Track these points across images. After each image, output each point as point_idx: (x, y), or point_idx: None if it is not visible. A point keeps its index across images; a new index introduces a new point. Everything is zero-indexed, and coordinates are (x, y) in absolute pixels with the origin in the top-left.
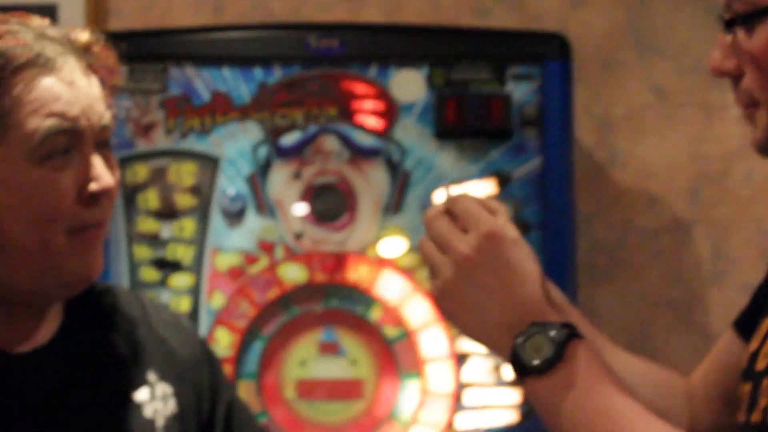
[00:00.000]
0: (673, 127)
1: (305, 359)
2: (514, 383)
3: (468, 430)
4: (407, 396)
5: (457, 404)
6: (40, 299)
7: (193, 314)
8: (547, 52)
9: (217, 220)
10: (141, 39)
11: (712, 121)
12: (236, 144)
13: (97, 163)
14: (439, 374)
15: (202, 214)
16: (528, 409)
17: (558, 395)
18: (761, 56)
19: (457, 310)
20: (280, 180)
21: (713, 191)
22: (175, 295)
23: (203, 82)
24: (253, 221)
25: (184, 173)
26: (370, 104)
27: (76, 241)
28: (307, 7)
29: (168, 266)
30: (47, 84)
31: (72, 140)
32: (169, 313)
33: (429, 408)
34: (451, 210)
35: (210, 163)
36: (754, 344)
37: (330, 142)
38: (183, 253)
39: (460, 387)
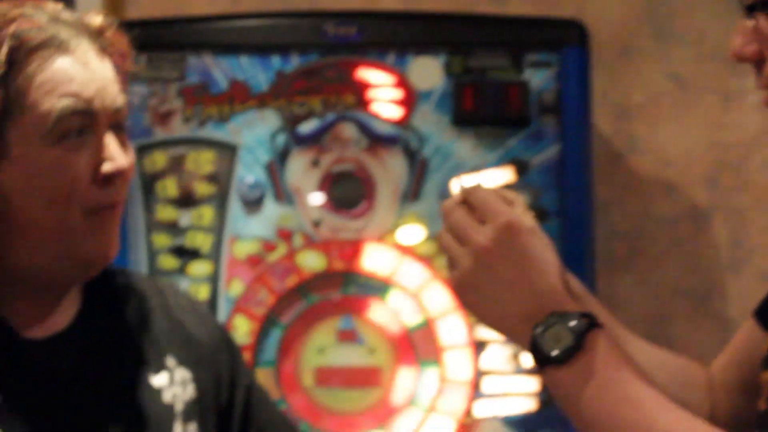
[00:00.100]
0: (692, 114)
1: (323, 347)
2: (533, 371)
3: (486, 417)
4: (425, 384)
5: (475, 392)
6: (57, 281)
7: (212, 302)
8: (565, 39)
9: (235, 208)
10: (159, 27)
11: (730, 108)
12: (254, 132)
13: (111, 144)
14: (457, 362)
15: (221, 202)
16: (547, 398)
17: (578, 385)
18: None
19: (476, 300)
20: (299, 168)
21: (731, 179)
22: (193, 283)
23: (221, 70)
24: (272, 209)
25: (203, 161)
26: (387, 92)
27: (92, 221)
28: None
29: (187, 254)
30: (61, 65)
31: (86, 121)
32: (187, 298)
33: (447, 396)
34: (468, 201)
35: (228, 151)
36: None
37: (348, 130)
38: (202, 241)
39: (479, 375)
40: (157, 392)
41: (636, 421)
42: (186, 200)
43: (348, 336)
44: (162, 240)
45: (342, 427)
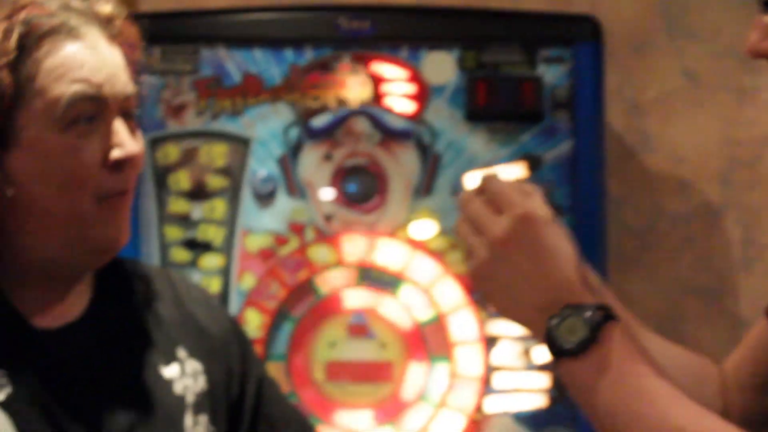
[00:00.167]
0: (705, 111)
1: (334, 341)
2: (544, 367)
3: (497, 413)
4: (436, 379)
5: (486, 388)
6: (69, 269)
7: (224, 295)
8: (579, 35)
9: (247, 202)
10: (172, 20)
11: (744, 105)
12: (267, 125)
13: (121, 131)
14: (468, 357)
15: (233, 195)
16: (557, 394)
17: (593, 377)
18: None
19: (492, 291)
20: (311, 162)
21: (744, 176)
22: (205, 276)
23: (234, 63)
24: (284, 203)
25: (215, 154)
26: (400, 86)
27: (103, 208)
28: None
29: (198, 247)
30: (72, 51)
31: (96, 107)
32: (198, 290)
33: (458, 391)
34: (485, 191)
35: (241, 145)
36: None
37: (361, 124)
38: (214, 234)
39: (490, 370)
40: (168, 383)
41: (649, 415)
42: (198, 193)
43: (359, 330)
44: (174, 233)
45: (352, 422)
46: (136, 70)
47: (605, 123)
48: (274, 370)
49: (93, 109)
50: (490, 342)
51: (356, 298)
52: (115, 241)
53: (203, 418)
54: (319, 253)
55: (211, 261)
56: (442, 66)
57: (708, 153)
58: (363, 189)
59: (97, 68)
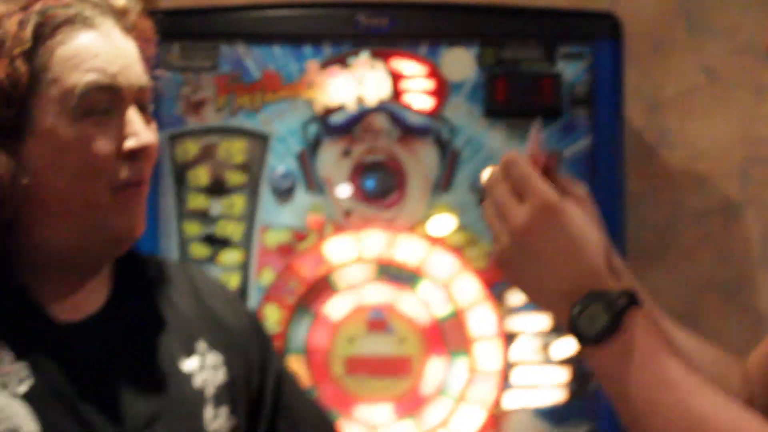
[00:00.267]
0: (724, 107)
1: (354, 336)
2: (565, 361)
3: (516, 408)
4: (455, 374)
5: (505, 383)
6: (86, 260)
7: (243, 290)
8: (598, 32)
9: (266, 198)
10: (192, 17)
11: (763, 101)
12: (286, 121)
13: (136, 121)
14: (487, 353)
15: (252, 191)
16: (576, 389)
17: (615, 365)
18: None
19: (516, 277)
20: (330, 158)
21: (763, 172)
22: (224, 272)
23: (254, 59)
24: (303, 199)
25: (234, 150)
26: (419, 83)
27: (118, 198)
28: None
29: (217, 243)
30: (86, 41)
31: (111, 97)
32: (217, 284)
33: (477, 386)
34: (508, 177)
35: (260, 141)
36: None
37: (380, 120)
38: (233, 230)
39: (508, 365)
40: (188, 377)
41: (671, 403)
42: (217, 189)
43: (378, 326)
44: (193, 228)
45: (372, 416)
46: (151, 64)
47: (624, 120)
48: (294, 364)
49: (107, 99)
50: (508, 337)
51: (375, 294)
52: (130, 231)
53: (223, 411)
54: (338, 248)
55: (230, 257)
56: (461, 62)
57: (727, 149)
58: (382, 185)
59: (111, 58)
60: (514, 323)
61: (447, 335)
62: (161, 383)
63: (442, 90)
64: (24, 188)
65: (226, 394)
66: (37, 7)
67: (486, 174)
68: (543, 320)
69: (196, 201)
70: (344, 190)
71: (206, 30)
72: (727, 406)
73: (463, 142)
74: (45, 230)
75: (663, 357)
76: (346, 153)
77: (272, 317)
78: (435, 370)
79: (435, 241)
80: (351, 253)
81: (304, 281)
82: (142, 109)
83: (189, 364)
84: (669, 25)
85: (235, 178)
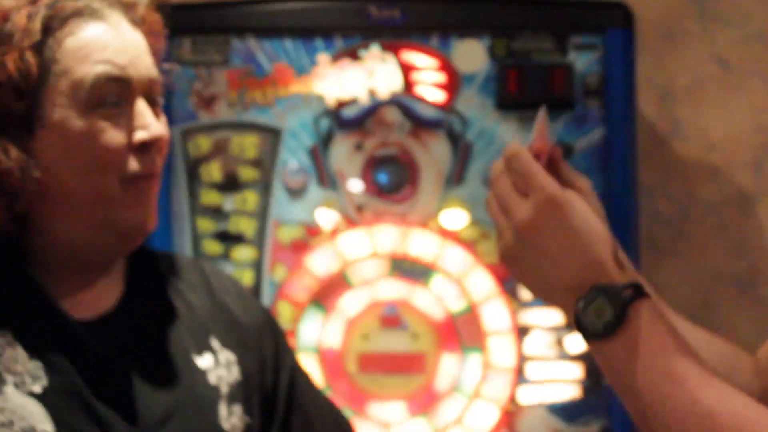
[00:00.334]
0: (737, 97)
1: (367, 332)
2: (579, 356)
3: (530, 404)
4: (469, 370)
5: (519, 378)
6: (98, 255)
7: (256, 287)
8: (610, 22)
9: (279, 193)
10: (203, 11)
11: None
12: (298, 116)
13: (146, 113)
14: (501, 348)
15: (265, 186)
16: (591, 384)
17: (621, 359)
18: None
19: (521, 272)
20: (342, 152)
21: None
22: (237, 268)
23: (265, 53)
24: (315, 193)
25: (247, 145)
26: (431, 75)
27: (129, 191)
28: None
29: (230, 239)
30: (95, 33)
31: (121, 89)
32: (230, 281)
33: (491, 382)
34: (511, 171)
35: (272, 135)
36: None
37: (392, 114)
38: (245, 226)
39: (522, 361)
40: (203, 373)
41: (678, 396)
42: (230, 185)
43: (392, 322)
44: (206, 225)
45: (385, 413)
46: (160, 58)
47: (636, 110)
48: (307, 361)
49: (117, 91)
50: (522, 332)
51: (388, 289)
52: (141, 224)
53: (237, 408)
54: (351, 244)
55: (244, 253)
56: (473, 54)
57: (740, 140)
58: (394, 179)
59: (120, 50)
60: (527, 318)
61: (460, 330)
62: (176, 380)
63: (454, 82)
64: (35, 182)
65: (240, 392)
66: (46, 0)
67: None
68: (557, 315)
69: (209, 197)
70: (356, 185)
71: (217, 24)
72: (734, 399)
73: (475, 134)
74: (57, 224)
75: (669, 350)
76: (359, 147)
77: (285, 314)
78: (448, 367)
79: (448, 235)
80: (364, 248)
81: (317, 277)
82: (152, 102)
83: (203, 362)
84: (681, 14)
85: (247, 173)
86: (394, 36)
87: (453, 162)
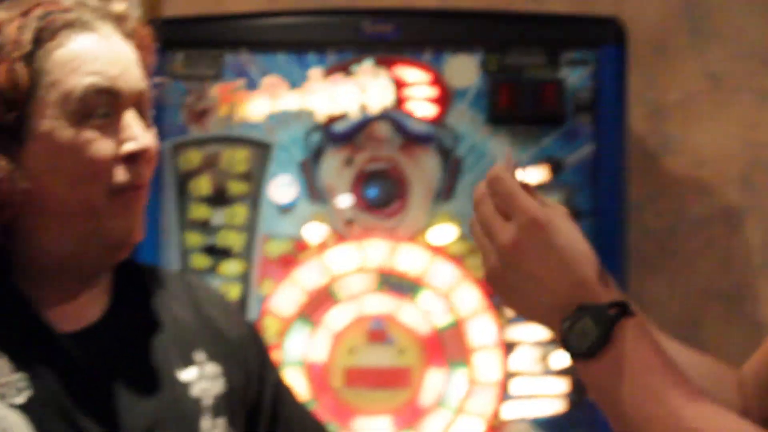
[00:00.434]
0: (727, 113)
1: (353, 347)
2: (564, 371)
3: (515, 419)
4: (455, 385)
5: (504, 393)
6: (85, 266)
7: (243, 301)
8: (602, 37)
9: (268, 207)
10: (196, 25)
11: (766, 107)
12: (289, 130)
13: (135, 125)
14: (486, 363)
15: (254, 200)
16: (576, 399)
17: (606, 379)
18: None
19: (507, 295)
20: (332, 166)
21: (766, 179)
22: (225, 282)
23: (258, 68)
24: (305, 208)
25: (237, 159)
26: (423, 90)
27: (117, 202)
28: None
29: (219, 253)
30: (86, 45)
31: (110, 101)
32: (216, 294)
33: (476, 397)
34: (494, 192)
35: (263, 150)
36: None
37: (383, 128)
38: (234, 240)
39: (508, 376)
40: (186, 386)
41: (663, 416)
42: (219, 199)
43: (378, 336)
44: (194, 239)
45: (371, 428)
46: (150, 72)
47: (627, 126)
48: (293, 375)
49: (107, 103)
50: (508, 347)
51: (375, 304)
52: (128, 235)
53: (221, 421)
54: (339, 258)
55: (232, 267)
56: (465, 69)
57: (730, 155)
58: (384, 194)
59: (110, 62)
60: (513, 333)
61: (447, 346)
62: (159, 393)
63: (446, 97)
64: (23, 192)
65: (224, 405)
66: (37, 12)
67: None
68: (542, 330)
69: (198, 211)
70: (346, 200)
71: (210, 38)
72: (720, 417)
73: (465, 149)
74: (44, 235)
75: (654, 369)
76: (349, 162)
77: (272, 328)
78: (434, 382)
79: (436, 250)
80: (352, 262)
81: (304, 292)
82: (142, 114)
83: (187, 374)
84: (672, 30)
85: (237, 187)
86: (387, 51)
87: (443, 177)
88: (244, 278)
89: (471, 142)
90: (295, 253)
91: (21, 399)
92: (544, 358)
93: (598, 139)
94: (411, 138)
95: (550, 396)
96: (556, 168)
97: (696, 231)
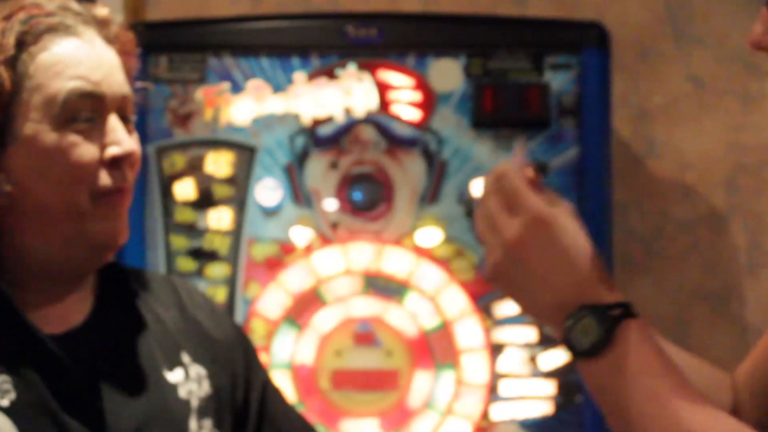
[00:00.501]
0: (711, 116)
1: (340, 349)
2: (552, 373)
3: (503, 421)
4: (442, 387)
5: (492, 395)
6: (69, 269)
7: (229, 304)
8: (586, 41)
9: (253, 210)
10: (180, 29)
11: (750, 110)
12: (274, 134)
13: (118, 129)
14: (474, 365)
15: (239, 203)
16: (563, 401)
17: (607, 378)
18: None
19: (511, 291)
20: (317, 170)
21: (750, 182)
22: (211, 285)
23: (242, 71)
24: (290, 211)
25: (222, 163)
26: (407, 94)
27: (101, 205)
28: None
29: (204, 256)
30: (69, 49)
31: (94, 105)
32: (202, 297)
33: (464, 399)
34: (500, 188)
35: (247, 153)
36: None
37: (367, 132)
38: (219, 243)
39: (496, 378)
40: (173, 388)
41: (662, 417)
42: (204, 202)
43: (365, 339)
44: (180, 242)
45: (358, 430)
46: (133, 77)
47: (611, 129)
48: (280, 378)
49: (90, 107)
50: (496, 349)
51: (362, 306)
52: (112, 238)
53: (207, 423)
54: (326, 261)
55: (217, 270)
56: (449, 73)
57: (714, 159)
58: (369, 197)
59: (94, 66)
60: (500, 335)
61: (434, 348)
62: (146, 394)
63: (430, 101)
64: (7, 196)
65: (211, 407)
66: (20, 16)
67: (474, 185)
68: (530, 332)
69: (183, 214)
70: (331, 203)
71: (194, 42)
72: (719, 420)
73: (450, 153)
74: (28, 239)
75: (655, 370)
76: (334, 165)
77: (259, 330)
78: (422, 384)
79: (422, 252)
80: (338, 265)
81: (291, 294)
82: (125, 119)
83: (173, 376)
84: (656, 34)
85: (222, 190)
86: (371, 55)
87: (428, 180)
88: (230, 281)
89: (455, 145)
90: (281, 256)
91: (6, 402)
92: (531, 359)
93: (583, 142)
94: (396, 141)
95: (538, 398)
96: (541, 171)
97: (681, 233)
